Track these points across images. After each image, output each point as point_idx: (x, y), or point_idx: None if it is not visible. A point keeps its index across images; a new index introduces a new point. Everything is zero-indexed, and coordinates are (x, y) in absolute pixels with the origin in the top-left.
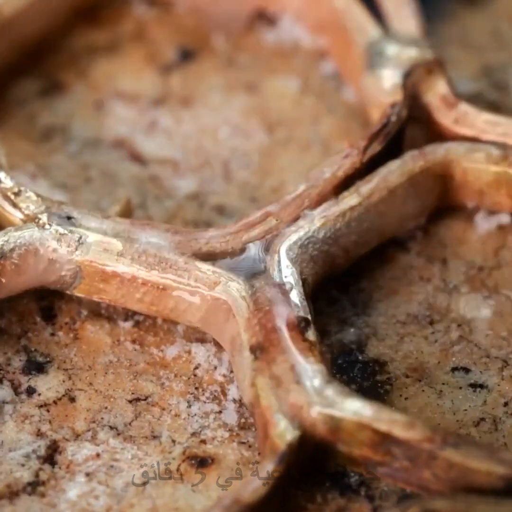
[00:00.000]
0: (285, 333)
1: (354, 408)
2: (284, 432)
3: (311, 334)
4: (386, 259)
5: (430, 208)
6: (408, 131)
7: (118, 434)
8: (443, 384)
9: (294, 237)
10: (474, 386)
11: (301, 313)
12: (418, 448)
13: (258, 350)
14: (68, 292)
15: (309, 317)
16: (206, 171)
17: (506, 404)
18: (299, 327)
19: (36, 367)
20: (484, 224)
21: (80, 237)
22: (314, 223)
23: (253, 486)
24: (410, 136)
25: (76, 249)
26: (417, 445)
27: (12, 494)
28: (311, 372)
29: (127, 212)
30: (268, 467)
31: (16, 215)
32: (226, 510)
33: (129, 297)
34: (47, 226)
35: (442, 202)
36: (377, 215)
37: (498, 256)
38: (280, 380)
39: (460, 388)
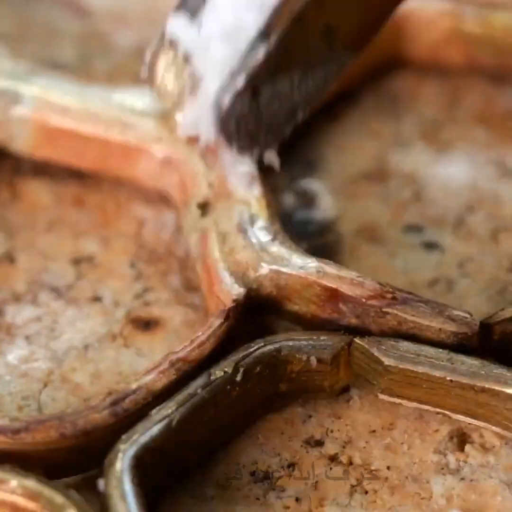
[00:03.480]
0: (234, 188)
1: (301, 265)
2: (230, 289)
3: (259, 190)
4: (336, 115)
5: (380, 60)
6: None
7: (60, 296)
8: (396, 243)
9: None
10: (428, 245)
11: (249, 169)
12: (366, 305)
13: (206, 207)
14: (9, 149)
15: (257, 173)
16: (152, 24)
17: (460, 264)
18: (247, 183)
19: None
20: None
21: (23, 92)
22: None
23: (198, 343)
24: None
25: (19, 104)
26: (366, 302)
27: None
28: (258, 228)
29: None
30: (214, 324)
31: None
32: (171, 366)
33: (73, 154)
34: None
35: (393, 54)
36: None
37: (452, 110)
38: (226, 236)
39: (413, 247)
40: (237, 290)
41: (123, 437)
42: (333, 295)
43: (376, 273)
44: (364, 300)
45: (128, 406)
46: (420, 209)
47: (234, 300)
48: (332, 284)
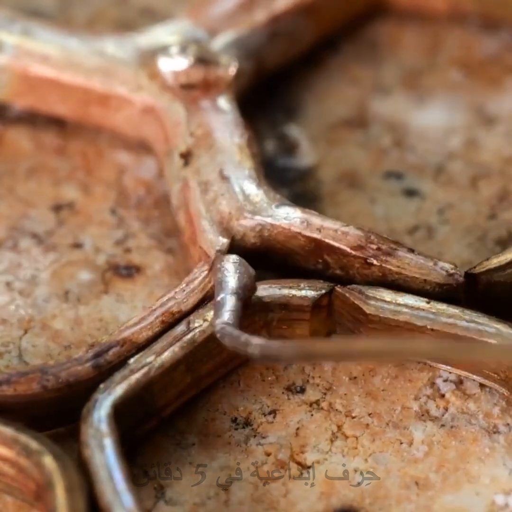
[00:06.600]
0: (216, 137)
1: (285, 215)
2: (212, 240)
3: (241, 139)
4: (317, 62)
5: (361, 6)
6: None
7: (40, 243)
8: (376, 190)
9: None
10: (408, 192)
11: (232, 117)
12: (351, 256)
13: (188, 156)
14: None
15: (240, 120)
16: None
17: (440, 211)
18: (230, 131)
19: None
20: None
21: (3, 40)
22: None
23: (184, 295)
24: None
25: None
26: (351, 253)
27: None
28: (241, 177)
29: None
30: (199, 275)
31: None
32: (156, 318)
33: (54, 102)
34: None
35: (374, 1)
36: None
37: (432, 57)
38: (209, 186)
39: (394, 194)
40: (220, 241)
41: (101, 386)
42: (318, 246)
43: (356, 220)
44: (348, 251)
45: (111, 358)
46: (400, 155)
47: (218, 251)
48: (317, 235)
